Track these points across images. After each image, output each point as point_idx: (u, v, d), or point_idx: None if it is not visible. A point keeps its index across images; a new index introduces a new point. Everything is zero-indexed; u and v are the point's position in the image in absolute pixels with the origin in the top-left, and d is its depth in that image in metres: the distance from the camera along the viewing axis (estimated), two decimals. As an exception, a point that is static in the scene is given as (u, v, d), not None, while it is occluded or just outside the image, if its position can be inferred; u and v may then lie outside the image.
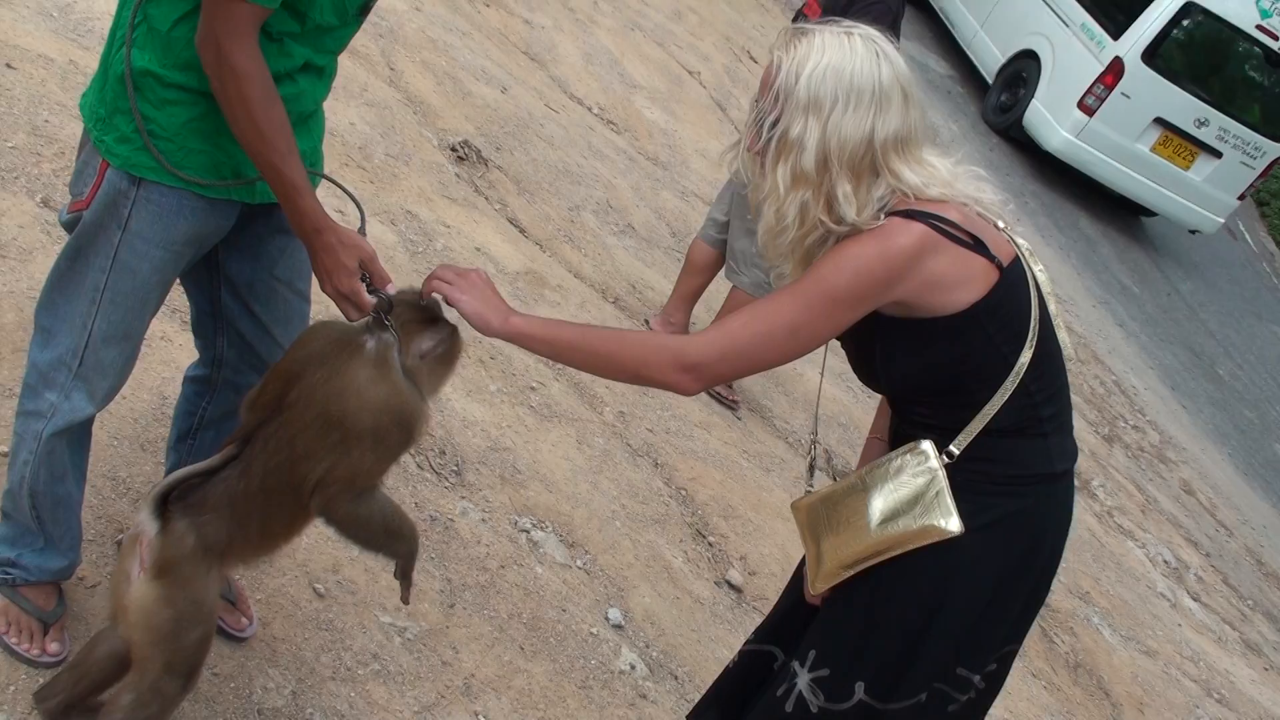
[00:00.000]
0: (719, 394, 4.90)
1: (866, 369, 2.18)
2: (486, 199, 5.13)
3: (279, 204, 2.13)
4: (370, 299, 2.13)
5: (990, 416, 2.05)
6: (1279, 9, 10.55)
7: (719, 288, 5.05)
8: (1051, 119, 11.00)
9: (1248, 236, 15.29)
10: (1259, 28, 10.56)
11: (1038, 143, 11.23)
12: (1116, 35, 10.70)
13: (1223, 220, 11.51)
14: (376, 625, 2.95)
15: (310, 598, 2.90)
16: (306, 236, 2.13)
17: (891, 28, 4.58)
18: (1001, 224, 2.09)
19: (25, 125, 3.64)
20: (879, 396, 2.44)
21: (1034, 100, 11.20)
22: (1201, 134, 10.85)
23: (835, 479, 4.51)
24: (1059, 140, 10.94)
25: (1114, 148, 10.87)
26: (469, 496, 3.53)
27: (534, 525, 3.59)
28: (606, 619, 3.46)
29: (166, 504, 2.08)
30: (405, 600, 2.29)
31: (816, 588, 2.26)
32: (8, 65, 3.80)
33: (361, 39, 5.48)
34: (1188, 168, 11.02)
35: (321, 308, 2.50)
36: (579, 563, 3.59)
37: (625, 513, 3.90)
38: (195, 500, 2.10)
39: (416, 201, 4.69)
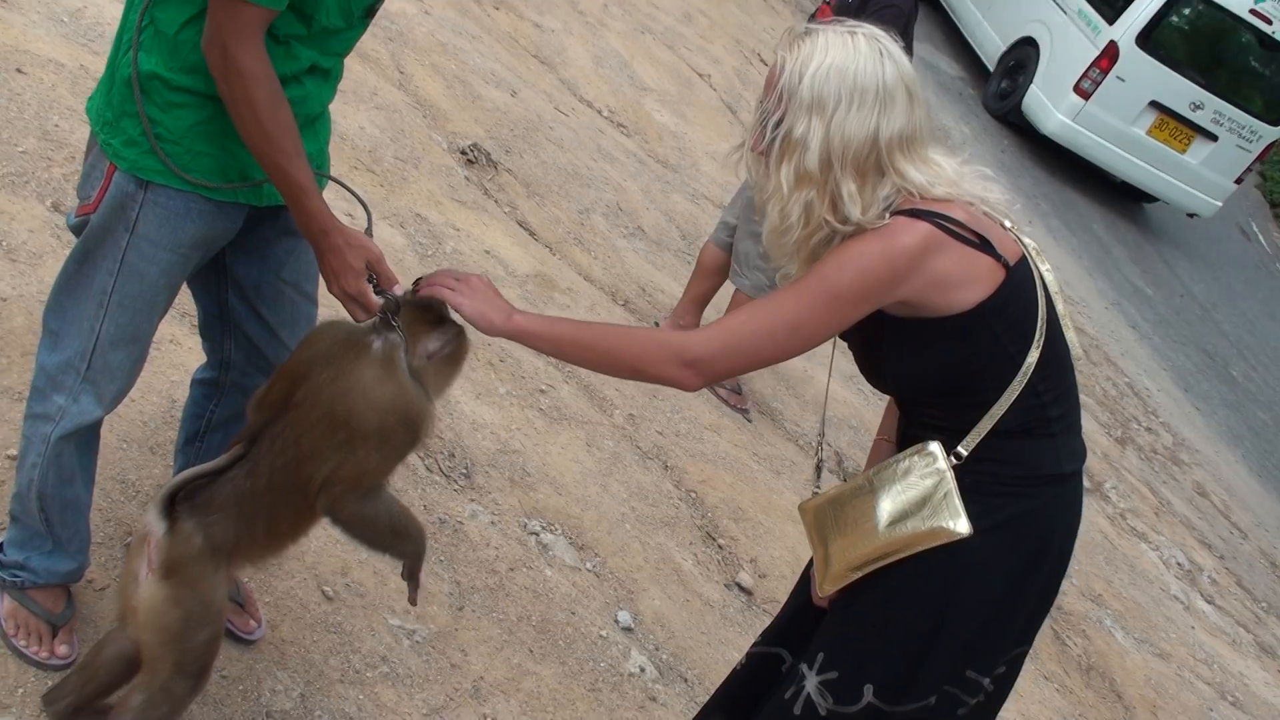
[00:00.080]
0: (728, 401, 4.89)
1: (873, 370, 2.17)
2: (496, 202, 5.13)
3: (286, 206, 2.14)
4: (377, 300, 2.13)
5: (998, 417, 2.05)
6: None
7: (730, 291, 5.05)
8: (1048, 103, 11.13)
9: (1261, 238, 15.23)
10: (1252, 12, 10.66)
11: (1035, 126, 11.36)
12: (1112, 20, 10.83)
13: (1220, 204, 11.61)
14: (385, 628, 2.95)
15: (319, 600, 2.90)
16: (313, 238, 2.13)
17: (903, 31, 4.57)
18: (1008, 223, 2.08)
19: (35, 130, 3.66)
20: (888, 398, 2.43)
21: (1032, 86, 11.34)
22: (1197, 117, 10.95)
23: (845, 481, 4.50)
24: (1055, 124, 11.07)
25: (1110, 131, 10.99)
26: (478, 499, 3.53)
27: (543, 528, 3.59)
28: (616, 621, 3.46)
29: (174, 504, 2.08)
30: (413, 602, 2.28)
31: (824, 590, 2.25)
32: (18, 70, 3.81)
33: (371, 43, 5.49)
34: (1184, 151, 11.13)
35: (329, 310, 2.50)
36: (588, 565, 3.59)
37: (635, 515, 3.90)
38: (202, 500, 2.10)
39: (426, 204, 4.69)
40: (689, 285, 4.96)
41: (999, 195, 2.07)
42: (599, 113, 6.77)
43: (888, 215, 1.97)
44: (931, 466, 2.08)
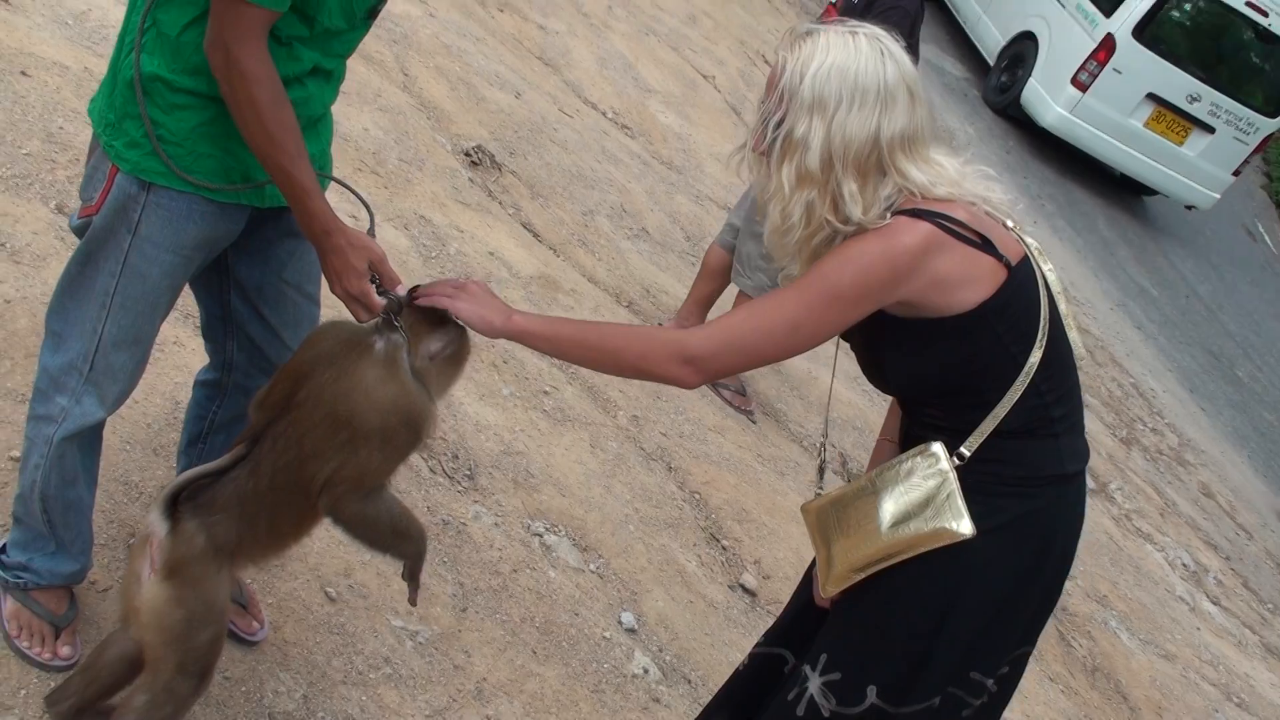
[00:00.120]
0: (732, 403, 4.89)
1: (875, 370, 2.17)
2: (500, 203, 5.13)
3: (288, 207, 2.14)
4: (380, 300, 2.13)
5: (1000, 418, 2.04)
6: None
7: (734, 293, 5.05)
8: (1046, 96, 11.22)
9: (1267, 238, 15.20)
10: (1249, 4, 10.71)
11: (1033, 119, 11.44)
12: (1109, 13, 10.91)
13: (1219, 196, 11.66)
14: (388, 629, 2.95)
15: (322, 602, 2.91)
16: (316, 239, 2.13)
17: (909, 32, 4.56)
18: (1011, 223, 2.08)
19: (40, 132, 3.66)
20: (891, 399, 2.42)
21: (1031, 79, 11.43)
22: (1194, 109, 11.01)
23: (848, 482, 4.50)
24: (1053, 116, 11.15)
25: (1108, 123, 11.06)
26: (482, 500, 3.53)
27: (547, 529, 3.59)
28: (619, 623, 3.46)
29: (176, 504, 2.09)
30: (412, 602, 2.29)
31: (827, 591, 2.25)
32: (22, 73, 3.82)
33: (376, 45, 5.50)
34: (1181, 143, 11.19)
35: (332, 311, 2.50)
36: (592, 567, 3.58)
37: (638, 516, 3.90)
38: (205, 500, 2.10)
39: (430, 206, 4.70)
40: (693, 287, 4.96)
41: (1001, 195, 2.07)
42: (603, 114, 6.78)
43: (889, 215, 1.97)
44: (934, 467, 2.08)
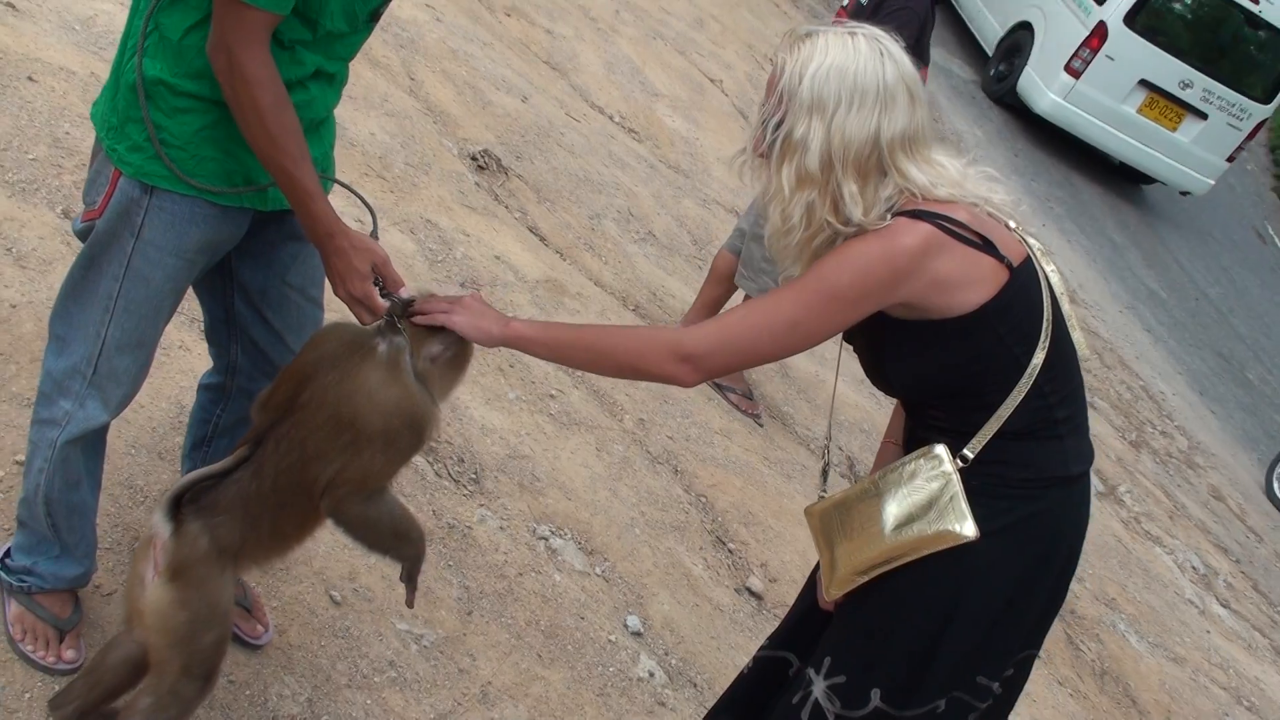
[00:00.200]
0: (739, 406, 4.89)
1: (877, 372, 2.17)
2: (506, 207, 5.13)
3: (291, 210, 2.14)
4: (383, 303, 2.14)
5: (1004, 419, 2.03)
6: None
7: (741, 297, 5.04)
8: (1041, 83, 11.39)
9: (1276, 240, 15.16)
10: None
11: (1029, 106, 11.61)
12: (1101, 1, 11.05)
13: (1213, 182, 11.79)
14: (393, 632, 2.95)
15: (326, 605, 2.90)
16: (319, 241, 2.13)
17: (919, 35, 4.55)
18: (1013, 224, 2.07)
19: (46, 137, 3.67)
20: (896, 401, 2.42)
21: (1027, 68, 11.61)
22: (1186, 96, 11.15)
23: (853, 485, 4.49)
24: (1047, 103, 11.32)
25: (1101, 109, 11.21)
26: (487, 504, 3.52)
27: (552, 532, 3.59)
28: (625, 626, 3.45)
29: (180, 507, 2.09)
30: (410, 604, 2.29)
31: (831, 594, 2.24)
32: (29, 78, 3.83)
33: (382, 49, 5.51)
34: (1175, 129, 11.33)
35: (335, 314, 2.51)
36: (598, 570, 3.58)
37: (644, 520, 3.89)
38: (208, 502, 2.11)
39: (436, 210, 4.70)
40: (701, 291, 4.96)
41: (1004, 196, 2.06)
42: (610, 118, 6.78)
43: (889, 216, 1.97)
44: (937, 469, 2.07)
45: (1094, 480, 6.52)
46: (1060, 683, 4.61)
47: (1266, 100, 11.26)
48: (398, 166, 4.78)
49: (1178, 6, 11.30)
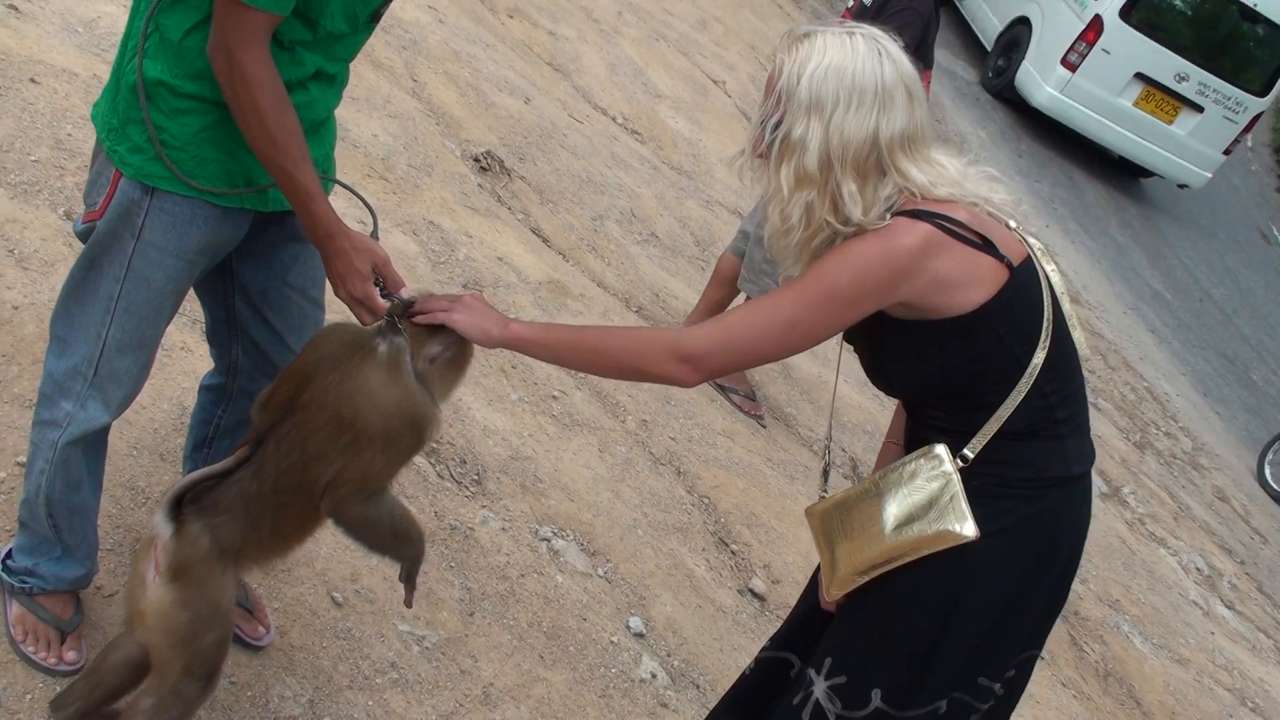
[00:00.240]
0: (742, 408, 4.88)
1: (878, 372, 2.16)
2: (509, 209, 5.13)
3: (292, 211, 2.14)
4: (383, 303, 2.14)
5: (1004, 419, 2.03)
6: None
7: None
8: (1038, 77, 11.49)
9: (1282, 241, 15.14)
10: None
11: (1026, 99, 11.71)
12: None
13: (1210, 175, 11.86)
14: (395, 634, 2.95)
15: (328, 606, 2.90)
16: (320, 242, 2.13)
17: (922, 36, 4.54)
18: (1014, 223, 2.07)
19: (49, 139, 3.67)
20: (898, 402, 2.42)
21: (1024, 62, 11.74)
22: (1182, 89, 11.23)
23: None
24: (1045, 96, 11.43)
25: (1097, 102, 11.31)
26: (489, 505, 3.52)
27: (555, 534, 3.59)
28: (627, 627, 3.45)
29: (181, 507, 2.09)
30: (408, 604, 2.30)
31: (831, 594, 2.24)
32: (32, 80, 3.83)
33: (385, 51, 5.51)
34: (1171, 122, 11.41)
35: (337, 315, 2.51)
36: (600, 571, 3.58)
37: (647, 521, 3.89)
38: (209, 502, 2.11)
39: (439, 212, 4.70)
40: (705, 293, 4.95)
41: (1004, 195, 2.06)
42: (613, 120, 6.78)
43: (888, 216, 1.96)
44: (938, 469, 2.06)
45: (1098, 481, 6.51)
46: (1064, 684, 4.60)
47: (1262, 93, 11.34)
48: (400, 168, 4.78)
49: (1173, 0, 11.38)
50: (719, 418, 4.70)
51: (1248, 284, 12.73)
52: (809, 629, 2.42)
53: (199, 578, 2.12)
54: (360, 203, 2.36)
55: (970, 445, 2.05)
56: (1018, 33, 12.01)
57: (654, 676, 3.34)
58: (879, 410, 5.59)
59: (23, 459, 2.67)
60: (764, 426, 4.90)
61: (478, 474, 3.59)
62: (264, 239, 2.33)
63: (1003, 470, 2.07)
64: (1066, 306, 2.10)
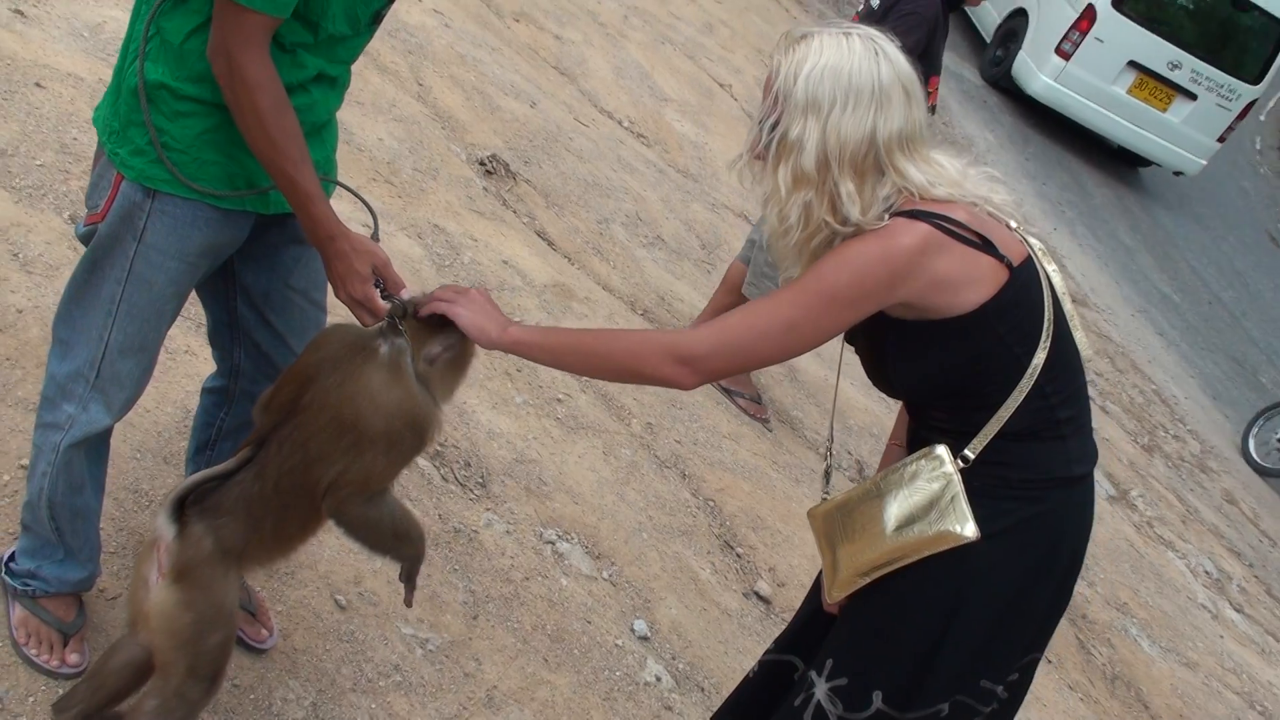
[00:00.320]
0: (748, 411, 4.88)
1: (879, 373, 2.16)
2: (514, 212, 5.13)
3: (293, 213, 2.14)
4: (384, 305, 2.14)
5: (1005, 419, 2.02)
6: None
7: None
8: (1033, 66, 11.66)
9: (1291, 244, 15.11)
10: None
11: (1022, 88, 11.90)
12: None
13: (1205, 162, 11.96)
14: (398, 637, 2.95)
15: (331, 609, 2.90)
16: (320, 243, 2.13)
17: (928, 40, 4.52)
18: (1014, 224, 2.06)
19: (54, 143, 3.68)
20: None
21: (1021, 52, 11.92)
22: (1175, 77, 11.37)
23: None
24: (1040, 85, 11.60)
25: (1092, 90, 11.45)
26: (494, 508, 3.52)
27: (559, 537, 3.58)
28: (632, 630, 3.44)
29: (183, 508, 2.09)
30: (408, 603, 2.30)
31: (833, 596, 2.23)
32: (37, 84, 3.84)
33: (390, 55, 5.52)
34: (1165, 110, 11.54)
35: (338, 317, 2.51)
36: (605, 574, 3.57)
37: (652, 524, 3.88)
38: (212, 504, 2.11)
39: (444, 215, 4.70)
40: (712, 299, 4.96)
41: (1005, 196, 2.05)
42: (619, 123, 6.78)
43: (887, 216, 1.96)
44: (938, 470, 2.06)
45: (1106, 484, 6.50)
46: (1071, 687, 4.59)
47: (1256, 81, 11.46)
48: (406, 172, 4.78)
49: None
50: (724, 421, 4.69)
51: (1257, 286, 12.70)
52: (812, 632, 2.42)
53: (202, 579, 2.12)
54: (366, 209, 2.36)
55: (971, 446, 2.05)
56: (1015, 24, 12.18)
57: (659, 680, 3.33)
58: (885, 413, 5.58)
59: (26, 462, 2.67)
60: (769, 429, 4.89)
61: (482, 477, 3.59)
62: (265, 241, 2.34)
63: (1004, 471, 2.06)
64: (1068, 307, 2.09)
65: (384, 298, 2.15)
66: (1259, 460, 8.79)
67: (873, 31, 2.00)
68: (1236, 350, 10.76)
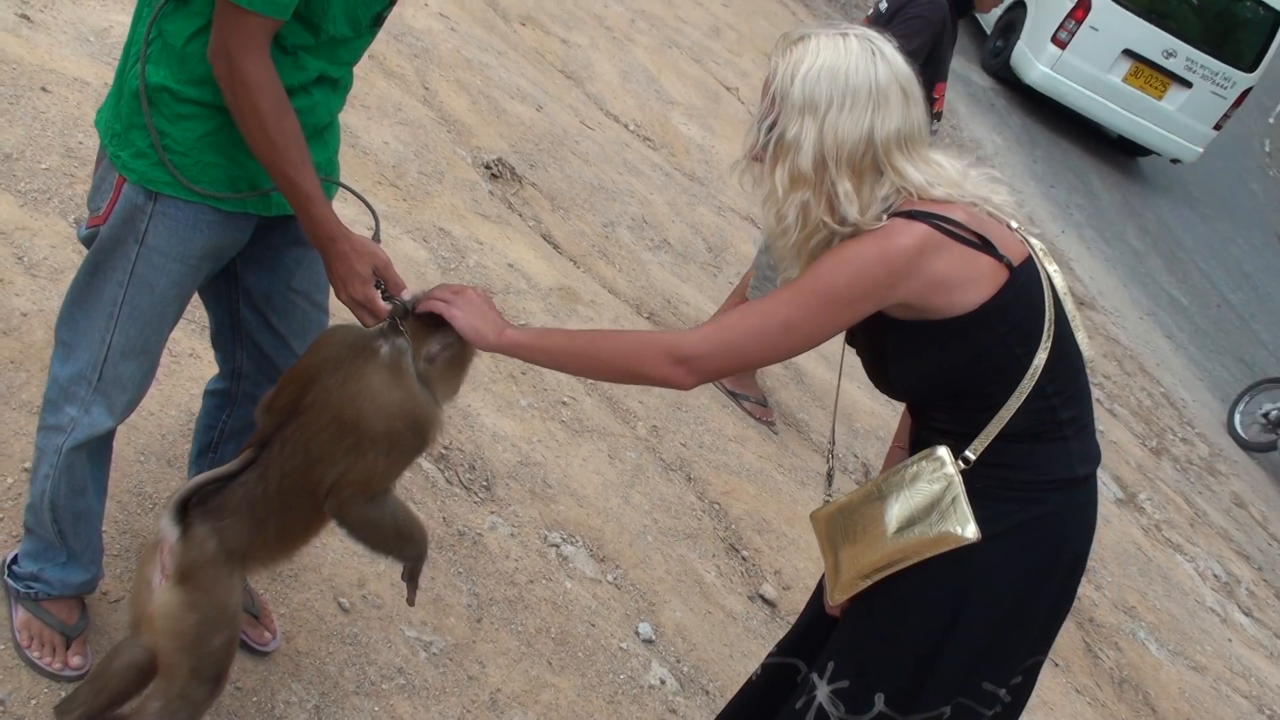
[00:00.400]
0: (753, 414, 4.87)
1: (879, 375, 2.15)
2: (520, 215, 5.14)
3: (295, 215, 2.14)
4: (385, 305, 2.14)
5: (1006, 420, 2.02)
6: None
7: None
8: (1031, 55, 11.81)
9: (1300, 246, 15.05)
10: None
11: (1020, 77, 12.05)
12: None
13: (1201, 150, 12.07)
14: (402, 639, 2.95)
15: (335, 612, 2.90)
16: (321, 245, 2.13)
17: (934, 44, 4.51)
18: (1015, 224, 2.05)
19: (59, 147, 3.69)
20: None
21: (1019, 42, 12.09)
22: (1170, 65, 11.49)
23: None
24: (1037, 74, 11.74)
25: (1088, 78, 11.57)
26: (498, 511, 3.52)
27: (564, 540, 3.58)
28: (637, 633, 3.44)
29: (187, 510, 2.09)
30: (411, 602, 2.31)
31: (835, 598, 2.22)
32: (43, 89, 3.85)
33: (396, 59, 5.52)
34: (1160, 98, 11.66)
35: (340, 318, 2.51)
36: (609, 577, 3.57)
37: (657, 527, 3.88)
38: (215, 505, 2.11)
39: (449, 219, 4.70)
40: (725, 304, 4.96)
41: (1005, 196, 2.05)
42: (625, 127, 6.78)
43: (885, 217, 1.96)
44: (939, 471, 2.05)
45: (1114, 487, 6.48)
46: (1078, 691, 4.57)
47: (1251, 69, 11.55)
48: (411, 175, 4.79)
49: None
50: (730, 423, 4.69)
51: (1266, 289, 12.66)
52: (815, 634, 2.41)
53: (206, 580, 2.12)
54: (369, 211, 2.36)
55: (972, 447, 2.04)
56: (1014, 15, 12.31)
57: (663, 683, 3.33)
58: (890, 416, 5.57)
59: (30, 465, 2.67)
60: (775, 432, 4.89)
61: (487, 480, 3.59)
62: (267, 243, 2.34)
63: (1005, 472, 2.06)
64: (1069, 307, 2.09)
65: (385, 299, 2.15)
66: (1243, 435, 8.94)
67: (870, 32, 2.00)
68: (1245, 353, 10.73)
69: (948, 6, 4.50)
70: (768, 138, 1.99)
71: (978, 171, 2.07)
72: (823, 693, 2.17)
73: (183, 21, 2.04)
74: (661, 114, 7.17)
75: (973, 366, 2.01)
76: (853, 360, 2.30)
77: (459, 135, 5.39)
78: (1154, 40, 11.34)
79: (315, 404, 2.09)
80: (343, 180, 2.39)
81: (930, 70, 4.40)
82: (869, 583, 2.13)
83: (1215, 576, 6.42)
